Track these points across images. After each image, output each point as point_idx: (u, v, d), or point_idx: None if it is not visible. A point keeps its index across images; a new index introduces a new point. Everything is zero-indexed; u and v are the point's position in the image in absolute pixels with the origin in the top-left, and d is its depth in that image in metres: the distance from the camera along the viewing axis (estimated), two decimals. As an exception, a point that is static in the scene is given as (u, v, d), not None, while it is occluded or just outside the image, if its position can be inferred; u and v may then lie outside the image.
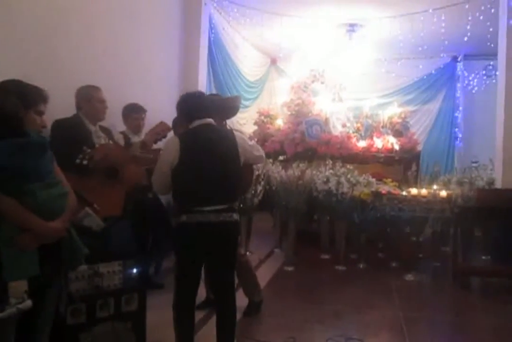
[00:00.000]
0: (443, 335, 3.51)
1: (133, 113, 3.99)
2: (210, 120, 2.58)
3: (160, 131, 2.98)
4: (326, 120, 6.57)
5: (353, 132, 6.66)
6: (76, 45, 3.73)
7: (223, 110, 3.12)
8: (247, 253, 4.94)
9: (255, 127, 7.21)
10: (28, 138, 1.76)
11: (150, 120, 3.82)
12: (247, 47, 8.29)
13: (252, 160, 2.73)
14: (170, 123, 3.38)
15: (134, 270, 2.75)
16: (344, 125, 6.75)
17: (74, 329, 2.41)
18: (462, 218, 4.91)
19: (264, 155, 2.85)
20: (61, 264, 1.91)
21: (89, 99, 3.18)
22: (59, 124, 3.01)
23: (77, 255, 1.95)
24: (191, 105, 2.58)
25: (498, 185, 5.36)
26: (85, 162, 2.62)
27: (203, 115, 2.56)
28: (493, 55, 6.07)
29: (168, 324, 2.56)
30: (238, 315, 2.79)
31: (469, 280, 4.51)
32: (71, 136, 2.91)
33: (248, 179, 2.90)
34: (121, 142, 3.61)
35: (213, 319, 2.63)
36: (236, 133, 2.67)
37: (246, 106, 7.98)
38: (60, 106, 3.00)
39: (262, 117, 7.20)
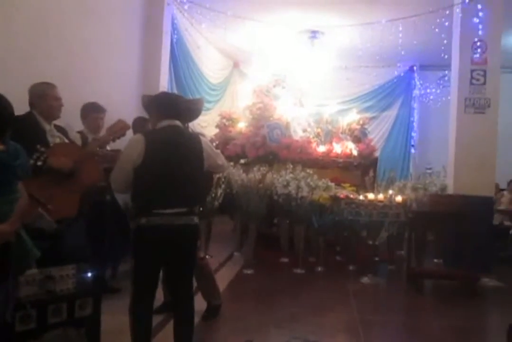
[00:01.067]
0: (397, 337, 3.60)
1: (93, 112, 3.86)
2: (178, 122, 2.56)
3: (118, 129, 2.90)
4: (287, 125, 6.64)
5: (313, 137, 6.76)
6: (34, 43, 3.60)
7: (186, 112, 3.08)
8: (207, 256, 4.90)
9: (217, 130, 7.19)
10: None
11: (109, 121, 3.71)
12: (210, 49, 8.26)
13: (213, 169, 2.72)
14: (129, 123, 3.31)
15: (89, 274, 2.66)
16: (304, 130, 6.84)
17: (23, 337, 2.30)
18: (416, 223, 5.09)
19: (226, 165, 2.84)
20: (9, 267, 1.82)
21: (43, 96, 3.04)
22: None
23: (27, 258, 1.87)
24: (167, 103, 2.56)
25: (450, 190, 5.58)
26: (39, 163, 2.52)
27: (173, 116, 2.53)
28: (447, 66, 6.33)
29: (125, 329, 2.48)
30: (196, 319, 2.76)
31: (422, 283, 4.65)
32: (24, 134, 2.77)
33: (208, 185, 2.89)
34: (78, 142, 3.49)
35: (171, 324, 2.58)
36: (202, 138, 2.66)
37: (208, 109, 7.95)
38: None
39: (224, 120, 7.19)
